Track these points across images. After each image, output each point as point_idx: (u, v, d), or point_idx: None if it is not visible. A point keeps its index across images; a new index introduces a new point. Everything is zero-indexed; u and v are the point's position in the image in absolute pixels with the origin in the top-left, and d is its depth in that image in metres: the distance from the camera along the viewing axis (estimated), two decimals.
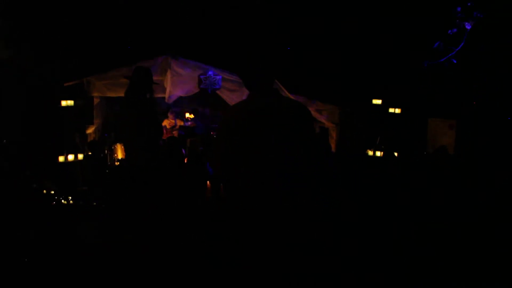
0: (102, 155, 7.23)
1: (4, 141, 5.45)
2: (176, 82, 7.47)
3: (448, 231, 4.80)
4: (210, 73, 7.60)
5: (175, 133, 8.65)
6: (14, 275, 3.16)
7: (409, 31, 7.47)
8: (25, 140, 5.68)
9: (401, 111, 8.20)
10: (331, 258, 3.77)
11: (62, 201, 3.47)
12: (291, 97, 7.22)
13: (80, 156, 7.10)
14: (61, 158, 6.79)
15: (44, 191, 3.43)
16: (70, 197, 3.53)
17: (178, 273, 3.41)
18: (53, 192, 3.48)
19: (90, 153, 7.24)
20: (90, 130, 7.98)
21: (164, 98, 7.66)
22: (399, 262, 4.01)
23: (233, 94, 7.85)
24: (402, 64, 8.39)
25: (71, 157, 6.94)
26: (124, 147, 4.69)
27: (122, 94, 4.19)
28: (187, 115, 9.43)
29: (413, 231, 4.85)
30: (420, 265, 3.92)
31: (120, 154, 6.81)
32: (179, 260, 3.61)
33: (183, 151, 6.97)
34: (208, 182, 6.49)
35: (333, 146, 8.48)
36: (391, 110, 8.15)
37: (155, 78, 7.22)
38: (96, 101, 7.96)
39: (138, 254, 3.51)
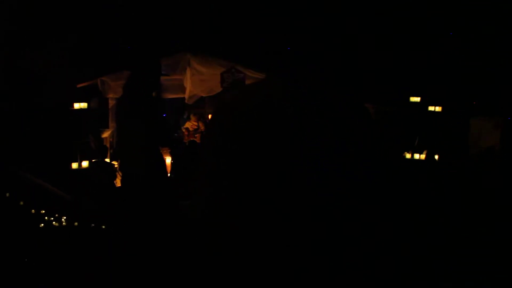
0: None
1: None
2: (196, 81, 6.93)
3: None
4: (233, 70, 7.01)
5: (198, 136, 8.11)
6: None
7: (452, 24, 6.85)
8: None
9: (442, 109, 7.51)
10: None
11: (54, 222, 2.86)
12: None
13: None
14: (74, 165, 6.32)
15: (33, 210, 2.82)
16: (64, 218, 2.91)
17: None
18: (43, 211, 2.86)
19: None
20: (106, 134, 7.48)
21: (184, 98, 7.15)
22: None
23: None
24: (441, 59, 7.75)
25: (85, 163, 6.47)
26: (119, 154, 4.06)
27: None
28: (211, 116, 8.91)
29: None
30: None
31: None
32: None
33: None
34: None
35: None
36: (431, 108, 7.47)
37: (174, 77, 6.73)
38: (111, 103, 7.46)
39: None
